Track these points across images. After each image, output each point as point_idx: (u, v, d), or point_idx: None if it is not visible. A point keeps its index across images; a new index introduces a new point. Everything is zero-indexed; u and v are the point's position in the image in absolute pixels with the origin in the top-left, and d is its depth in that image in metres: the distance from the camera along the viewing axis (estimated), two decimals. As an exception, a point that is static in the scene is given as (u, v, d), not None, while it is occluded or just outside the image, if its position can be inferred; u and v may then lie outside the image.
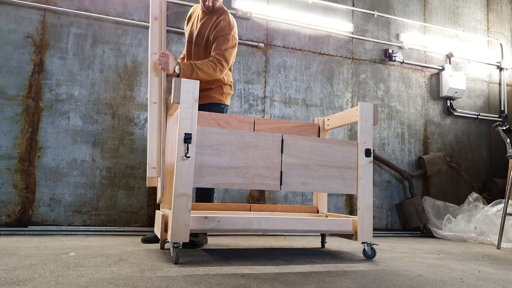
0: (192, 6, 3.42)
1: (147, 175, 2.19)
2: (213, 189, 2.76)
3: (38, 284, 1.47)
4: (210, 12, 2.73)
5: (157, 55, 2.31)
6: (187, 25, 2.90)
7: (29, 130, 2.95)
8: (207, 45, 2.70)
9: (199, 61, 2.51)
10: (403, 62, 4.12)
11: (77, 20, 3.14)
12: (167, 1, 3.37)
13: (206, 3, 2.67)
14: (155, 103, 2.14)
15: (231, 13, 3.54)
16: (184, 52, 2.92)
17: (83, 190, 3.03)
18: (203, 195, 2.71)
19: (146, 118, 3.24)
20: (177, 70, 2.41)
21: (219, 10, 2.73)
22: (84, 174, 3.04)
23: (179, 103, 2.00)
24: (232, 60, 2.66)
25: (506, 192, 3.19)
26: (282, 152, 2.20)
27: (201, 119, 2.49)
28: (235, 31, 2.71)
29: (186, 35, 2.86)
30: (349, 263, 2.16)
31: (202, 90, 2.69)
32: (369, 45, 4.06)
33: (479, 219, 3.50)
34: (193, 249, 2.48)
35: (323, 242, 2.80)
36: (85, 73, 3.12)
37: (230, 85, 2.83)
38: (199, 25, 2.74)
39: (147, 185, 2.50)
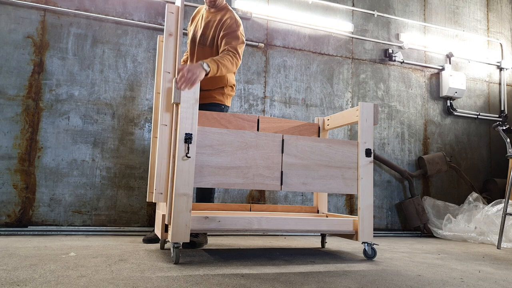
0: (189, 4, 3.42)
1: (153, 200, 2.14)
2: (214, 188, 2.75)
3: (38, 284, 1.47)
4: (214, 9, 2.71)
5: (171, 74, 2.14)
6: (190, 25, 2.88)
7: (29, 130, 2.95)
8: (212, 44, 2.66)
9: (218, 57, 2.36)
10: (403, 62, 4.12)
11: (77, 20, 3.14)
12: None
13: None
14: (166, 125, 2.11)
15: (231, 13, 3.55)
16: (187, 52, 2.90)
17: (83, 190, 3.03)
18: (203, 195, 2.71)
19: (146, 118, 3.24)
20: (206, 68, 2.19)
21: (224, 8, 2.71)
22: (84, 174, 3.04)
23: (179, 103, 2.00)
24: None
25: (506, 192, 3.19)
26: (282, 152, 2.20)
27: (202, 119, 2.49)
28: (242, 28, 2.65)
29: (190, 35, 2.81)
30: (350, 263, 2.16)
31: (202, 90, 2.67)
32: (369, 45, 4.06)
33: (479, 219, 3.50)
34: (193, 249, 2.48)
35: (323, 242, 2.79)
36: (85, 73, 3.12)
37: (232, 87, 2.79)
38: (203, 24, 2.72)
39: (147, 199, 2.48)
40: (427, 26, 4.34)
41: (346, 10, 3.99)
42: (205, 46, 2.68)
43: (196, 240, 2.54)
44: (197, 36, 2.72)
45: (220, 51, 2.54)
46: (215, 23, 2.65)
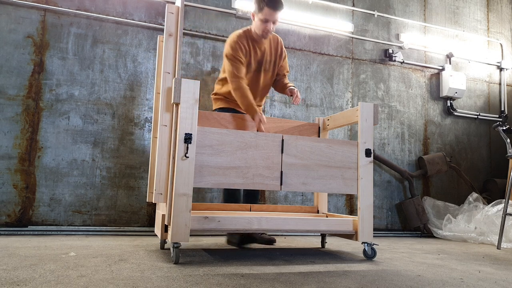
0: (189, 4, 3.42)
1: (153, 200, 2.15)
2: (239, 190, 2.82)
3: (38, 284, 1.47)
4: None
5: (171, 74, 2.17)
6: (245, 54, 2.67)
7: (29, 130, 2.95)
8: (273, 70, 2.82)
9: (288, 82, 2.86)
10: (403, 62, 4.12)
11: (77, 20, 3.14)
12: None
13: (269, 31, 2.64)
14: (166, 126, 2.11)
15: (231, 13, 3.55)
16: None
17: (83, 190, 3.03)
18: (229, 195, 2.77)
19: (146, 118, 3.24)
20: None
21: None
22: (84, 174, 3.04)
23: (179, 103, 2.00)
24: None
25: (506, 192, 3.19)
26: (282, 152, 2.20)
27: (202, 119, 2.49)
28: None
29: (249, 63, 2.71)
30: (349, 263, 2.16)
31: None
32: (369, 45, 4.06)
33: (479, 219, 3.50)
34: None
35: (323, 242, 2.79)
36: (85, 73, 3.12)
37: None
38: (267, 52, 2.76)
39: (147, 199, 2.48)
40: (427, 26, 4.34)
41: (346, 10, 3.99)
42: (269, 71, 2.81)
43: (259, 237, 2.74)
44: (261, 65, 2.75)
45: (283, 73, 2.90)
46: (274, 49, 2.79)
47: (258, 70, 2.76)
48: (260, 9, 2.58)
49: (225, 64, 2.66)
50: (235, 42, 2.63)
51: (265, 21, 2.58)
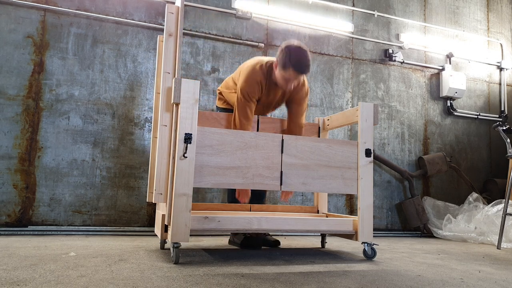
0: (189, 4, 3.42)
1: (153, 200, 2.15)
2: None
3: (38, 284, 1.47)
4: None
5: (171, 74, 2.15)
6: (259, 95, 2.51)
7: (29, 130, 2.95)
8: (284, 102, 2.66)
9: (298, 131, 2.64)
10: (403, 62, 4.12)
11: (77, 20, 3.14)
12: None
13: (290, 88, 2.42)
14: (166, 126, 2.11)
15: (231, 13, 3.56)
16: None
17: (83, 190, 3.03)
18: (234, 200, 2.70)
19: (146, 118, 3.24)
20: None
21: None
22: (84, 174, 3.04)
23: (179, 103, 2.00)
24: None
25: (506, 192, 3.18)
26: (282, 152, 2.20)
27: (202, 119, 2.49)
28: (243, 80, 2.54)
29: (258, 100, 2.55)
30: (349, 263, 2.16)
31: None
32: (369, 45, 4.06)
33: (479, 219, 3.50)
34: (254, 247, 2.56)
35: (323, 242, 2.79)
36: (85, 73, 3.12)
37: None
38: (278, 93, 2.55)
39: (147, 199, 2.48)
40: (427, 26, 4.34)
41: (346, 10, 3.99)
42: (279, 106, 2.70)
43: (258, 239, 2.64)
44: (272, 103, 2.62)
45: (297, 113, 2.63)
46: (293, 89, 2.52)
47: (268, 106, 2.64)
48: (284, 67, 2.32)
49: (237, 97, 2.45)
50: (254, 79, 2.42)
51: (287, 80, 2.37)
